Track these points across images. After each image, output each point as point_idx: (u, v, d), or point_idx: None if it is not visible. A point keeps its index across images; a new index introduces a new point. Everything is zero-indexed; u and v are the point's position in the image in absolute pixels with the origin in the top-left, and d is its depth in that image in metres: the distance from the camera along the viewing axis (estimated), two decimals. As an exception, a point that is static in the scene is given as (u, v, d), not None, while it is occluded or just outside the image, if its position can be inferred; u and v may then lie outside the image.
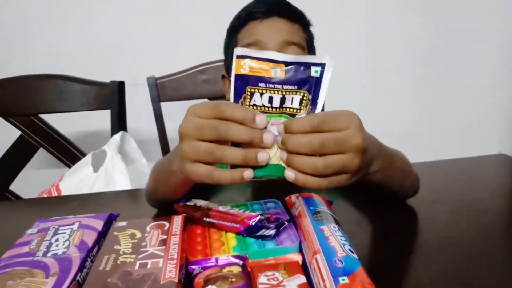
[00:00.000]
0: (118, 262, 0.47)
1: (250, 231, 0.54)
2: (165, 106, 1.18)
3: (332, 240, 0.46)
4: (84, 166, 0.92)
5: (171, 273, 0.44)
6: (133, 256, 0.48)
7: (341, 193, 0.73)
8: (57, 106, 1.11)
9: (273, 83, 0.46)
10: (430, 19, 1.64)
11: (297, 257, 0.50)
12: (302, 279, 0.46)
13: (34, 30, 1.44)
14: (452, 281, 0.46)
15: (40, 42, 1.45)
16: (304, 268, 0.48)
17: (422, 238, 0.56)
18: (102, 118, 1.17)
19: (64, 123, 1.20)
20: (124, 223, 0.56)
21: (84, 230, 0.53)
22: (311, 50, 0.84)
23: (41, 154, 1.17)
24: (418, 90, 1.70)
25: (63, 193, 0.88)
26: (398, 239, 0.55)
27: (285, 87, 0.46)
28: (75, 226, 0.54)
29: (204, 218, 0.57)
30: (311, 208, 0.54)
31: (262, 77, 0.46)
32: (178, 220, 0.56)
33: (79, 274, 0.45)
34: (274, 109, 0.46)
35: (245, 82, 0.46)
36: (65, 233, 0.53)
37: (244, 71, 0.46)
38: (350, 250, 0.44)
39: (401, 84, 1.67)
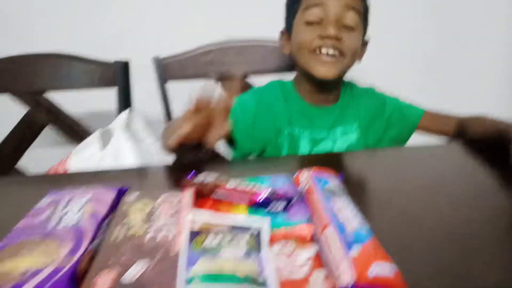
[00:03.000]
0: (129, 233, 0.47)
1: (260, 206, 0.55)
2: (171, 86, 1.17)
3: (343, 212, 0.46)
4: (91, 144, 0.92)
5: (182, 244, 0.45)
6: (144, 228, 0.48)
7: (351, 169, 0.73)
8: (62, 85, 1.11)
9: None
10: (431, 23, 1.63)
11: (307, 230, 0.51)
12: (312, 250, 0.47)
13: (37, 9, 1.43)
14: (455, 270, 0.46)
15: (44, 21, 1.44)
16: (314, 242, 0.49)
17: (432, 210, 0.56)
18: (108, 99, 1.17)
19: (70, 102, 1.20)
20: (134, 197, 0.56)
21: (95, 202, 0.54)
22: (366, 20, 0.94)
23: (48, 133, 1.17)
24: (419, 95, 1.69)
25: (70, 171, 0.89)
26: (408, 215, 0.56)
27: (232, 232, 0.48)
28: (86, 198, 0.55)
29: (212, 195, 0.58)
30: (321, 182, 0.54)
31: None
32: (188, 194, 0.56)
33: (92, 244, 0.46)
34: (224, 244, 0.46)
35: None
36: (77, 204, 0.53)
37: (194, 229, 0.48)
38: (361, 222, 0.45)
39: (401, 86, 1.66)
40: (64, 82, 1.11)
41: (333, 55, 0.89)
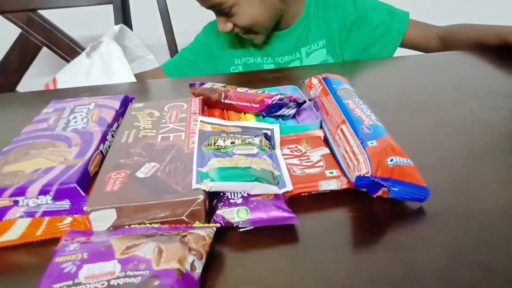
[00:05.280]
0: (140, 136, 0.46)
1: (270, 111, 0.53)
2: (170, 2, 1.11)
3: (357, 111, 0.44)
4: (80, 56, 0.87)
5: (194, 144, 0.44)
6: (154, 131, 0.47)
7: (361, 75, 0.71)
8: (54, 1, 1.05)
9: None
10: None
11: (319, 133, 0.50)
12: (325, 150, 0.46)
13: None
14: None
15: None
16: (326, 144, 0.48)
17: (443, 119, 0.55)
18: (105, 19, 1.11)
19: (66, 23, 1.14)
20: (141, 104, 0.55)
21: (101, 108, 0.52)
22: None
23: (46, 59, 1.13)
24: None
25: (59, 84, 0.83)
26: (422, 121, 0.55)
27: (243, 136, 0.46)
28: (91, 106, 0.53)
29: (222, 100, 0.56)
30: (333, 86, 0.52)
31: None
32: (196, 101, 0.54)
33: (102, 145, 0.45)
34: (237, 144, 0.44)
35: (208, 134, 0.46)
36: (82, 111, 0.52)
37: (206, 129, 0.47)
38: (376, 120, 0.43)
39: None
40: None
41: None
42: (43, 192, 0.36)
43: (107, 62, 0.80)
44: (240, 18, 0.81)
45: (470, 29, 0.84)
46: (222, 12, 0.80)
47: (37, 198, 0.36)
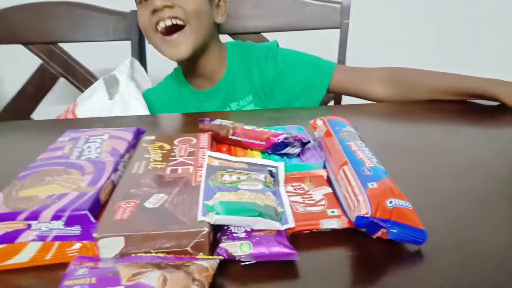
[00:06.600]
0: (150, 167, 0.48)
1: (276, 149, 0.55)
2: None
3: (359, 153, 0.46)
4: (97, 91, 0.89)
5: (202, 177, 0.45)
6: (164, 163, 0.49)
7: (365, 118, 0.73)
8: (75, 36, 1.10)
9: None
10: None
11: (322, 172, 0.52)
12: (327, 189, 0.48)
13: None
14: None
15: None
16: (329, 183, 0.49)
17: (443, 163, 0.56)
18: (123, 52, 1.16)
19: (85, 56, 1.19)
20: (152, 137, 0.57)
21: (114, 139, 0.55)
22: None
23: (63, 88, 1.17)
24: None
25: (78, 115, 0.87)
26: (423, 164, 0.56)
27: (249, 172, 0.47)
28: (105, 136, 0.55)
29: (230, 136, 0.58)
30: (337, 128, 0.54)
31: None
32: (204, 136, 0.57)
33: (113, 174, 0.47)
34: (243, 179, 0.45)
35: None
36: (96, 141, 0.54)
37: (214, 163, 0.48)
38: (377, 163, 0.45)
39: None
40: (77, 32, 1.10)
41: (174, 26, 0.81)
42: (56, 217, 0.38)
43: (126, 101, 0.86)
44: (183, 6, 0.80)
45: (429, 75, 0.83)
46: None
47: (50, 223, 0.38)
